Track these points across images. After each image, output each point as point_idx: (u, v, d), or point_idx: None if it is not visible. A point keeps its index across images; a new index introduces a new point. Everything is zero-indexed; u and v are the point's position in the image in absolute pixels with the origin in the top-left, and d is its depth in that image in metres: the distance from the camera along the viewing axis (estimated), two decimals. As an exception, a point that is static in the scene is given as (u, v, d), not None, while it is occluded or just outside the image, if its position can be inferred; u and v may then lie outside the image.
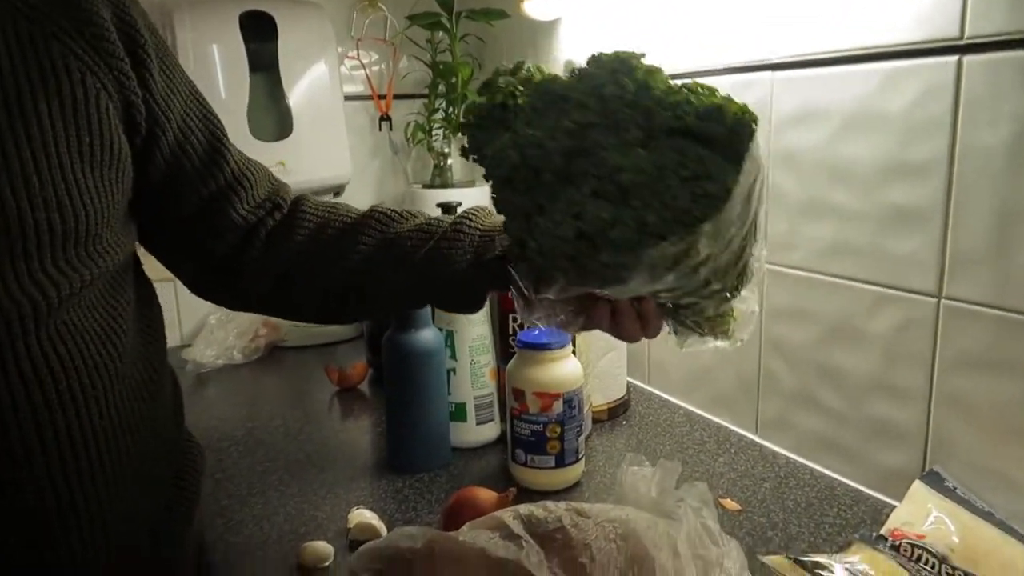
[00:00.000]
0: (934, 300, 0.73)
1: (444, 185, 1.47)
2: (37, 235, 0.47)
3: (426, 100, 1.49)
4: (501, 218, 0.67)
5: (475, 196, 1.45)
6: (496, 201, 0.54)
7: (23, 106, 0.48)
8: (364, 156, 1.52)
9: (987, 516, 0.67)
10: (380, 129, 1.52)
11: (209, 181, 0.63)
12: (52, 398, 0.49)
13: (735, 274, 0.52)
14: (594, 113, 0.49)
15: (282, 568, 0.69)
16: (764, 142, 0.88)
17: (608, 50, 0.51)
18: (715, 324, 0.57)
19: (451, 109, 1.47)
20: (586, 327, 0.61)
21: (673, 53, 1.00)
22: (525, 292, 0.56)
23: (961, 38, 0.68)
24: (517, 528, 0.59)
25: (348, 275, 0.66)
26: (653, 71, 0.50)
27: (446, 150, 1.47)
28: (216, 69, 1.24)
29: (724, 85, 0.92)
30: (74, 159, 0.50)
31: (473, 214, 0.67)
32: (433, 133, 1.49)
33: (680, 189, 0.46)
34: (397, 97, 1.52)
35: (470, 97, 1.44)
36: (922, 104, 0.71)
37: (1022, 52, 0.63)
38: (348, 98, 1.43)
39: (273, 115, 1.31)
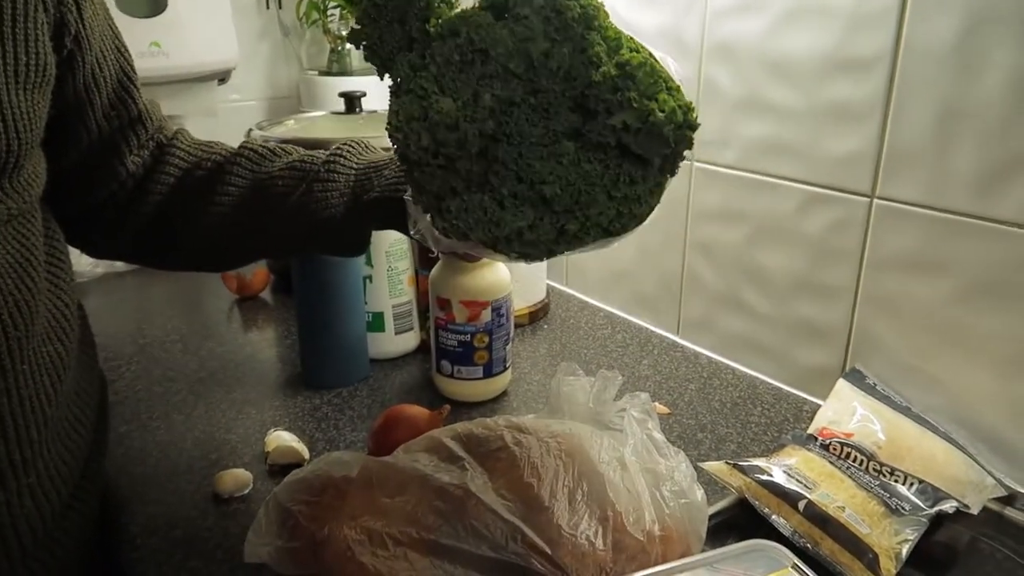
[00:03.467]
0: (867, 200, 0.72)
1: (343, 72, 1.35)
2: None
3: (319, -25, 1.34)
4: (378, 154, 0.61)
5: (377, 84, 1.34)
6: (404, 173, 0.47)
7: None
8: (251, 39, 1.37)
9: (906, 411, 0.69)
10: (268, 7, 1.37)
11: (112, 119, 0.57)
12: None
13: None
14: (520, 84, 0.42)
15: (197, 499, 0.63)
16: (699, 31, 0.83)
17: None
18: None
19: (348, -14, 1.34)
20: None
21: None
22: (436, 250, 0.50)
23: (915, -78, 0.64)
24: (457, 449, 0.55)
25: (218, 220, 0.60)
26: (591, 16, 0.42)
27: (344, 33, 1.34)
28: (69, -72, 1.06)
29: (658, -33, 0.86)
30: (10, 81, 0.44)
31: (348, 150, 0.61)
32: (329, 13, 1.35)
33: (607, 205, 0.43)
34: (286, -30, 1.37)
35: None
36: (869, -6, 0.68)
37: (977, -60, 0.60)
38: (230, -30, 1.27)
39: (143, -14, 1.14)
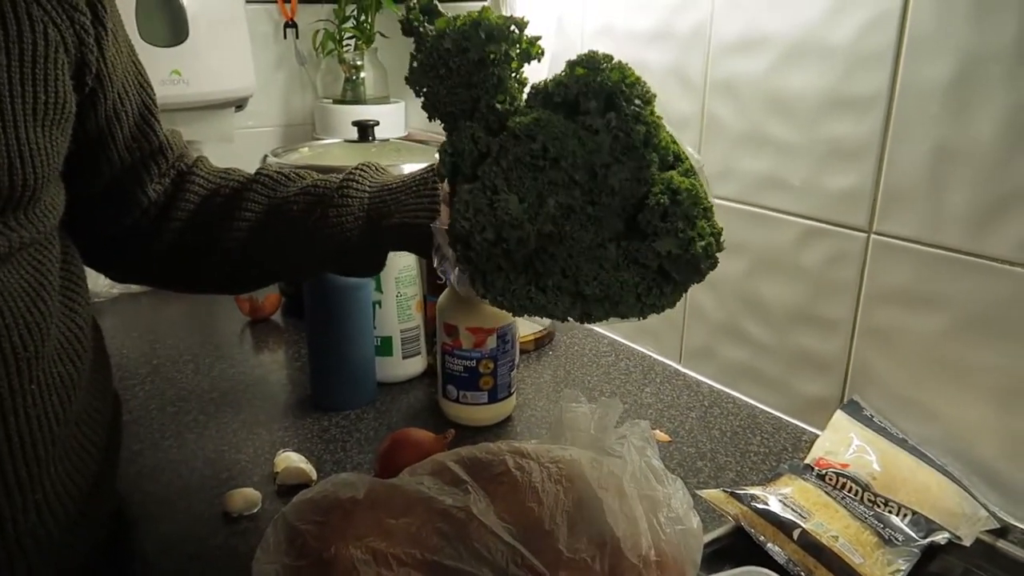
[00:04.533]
0: (864, 235, 0.74)
1: (356, 101, 1.39)
2: None
3: (336, 6, 1.38)
4: (390, 176, 0.64)
5: (390, 113, 1.37)
6: (456, 251, 0.49)
7: None
8: (268, 67, 1.41)
9: (902, 443, 0.71)
10: (285, 37, 1.41)
11: (134, 150, 0.60)
12: None
13: None
14: (581, 194, 0.46)
15: (207, 517, 0.65)
16: (702, 68, 0.86)
17: (615, 64, 0.46)
18: None
19: (363, 17, 1.37)
20: None
21: (608, -31, 0.95)
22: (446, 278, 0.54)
23: (910, -31, 0.66)
24: (460, 473, 0.57)
25: (236, 245, 0.62)
26: (652, 135, 0.46)
27: (358, 62, 1.38)
28: (96, -39, 1.10)
29: (662, 6, 0.89)
30: (28, 118, 0.45)
31: (360, 173, 0.63)
32: (344, 44, 1.39)
33: (634, 305, 0.47)
34: (303, 1, 1.40)
35: (386, 5, 1.34)
36: (866, 35, 0.70)
37: (970, -13, 0.63)
38: (250, 0, 1.30)
39: (165, 16, 1.18)
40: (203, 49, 1.20)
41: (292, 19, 1.39)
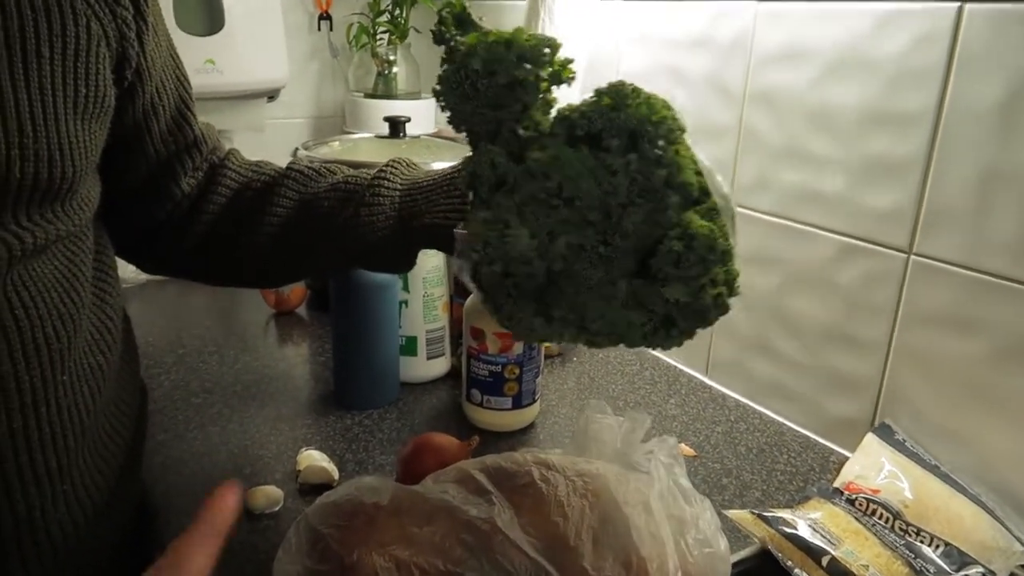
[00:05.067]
0: (904, 256, 0.72)
1: (388, 95, 1.38)
2: (20, 188, 0.43)
3: (371, 0, 1.37)
4: (422, 171, 0.63)
5: (421, 109, 1.37)
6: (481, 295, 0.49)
7: (25, 44, 0.43)
8: (301, 58, 1.40)
9: (934, 469, 0.69)
10: (319, 29, 1.41)
11: (169, 144, 0.60)
12: (16, 348, 0.45)
13: None
14: (594, 233, 0.45)
15: (227, 514, 0.65)
16: (742, 78, 0.84)
17: (631, 82, 0.44)
18: None
19: (398, 12, 1.37)
20: None
21: (650, -27, 0.93)
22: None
23: (965, -15, 0.64)
24: (485, 482, 0.56)
25: (267, 240, 0.62)
26: (673, 175, 0.44)
27: (391, 57, 1.37)
28: (135, -52, 1.10)
29: (702, 14, 0.87)
30: (68, 111, 0.45)
31: (391, 171, 0.62)
32: (378, 37, 1.38)
33: (639, 342, 0.47)
34: (338, -6, 1.40)
35: (421, 0, 1.34)
36: (915, 52, 0.69)
37: (1027, 7, 0.61)
38: (285, -9, 1.30)
39: (202, 5, 1.18)
40: (238, 39, 1.20)
41: (327, 11, 1.39)
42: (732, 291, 0.45)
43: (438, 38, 0.48)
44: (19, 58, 0.42)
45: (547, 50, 0.45)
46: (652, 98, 0.44)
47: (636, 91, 0.44)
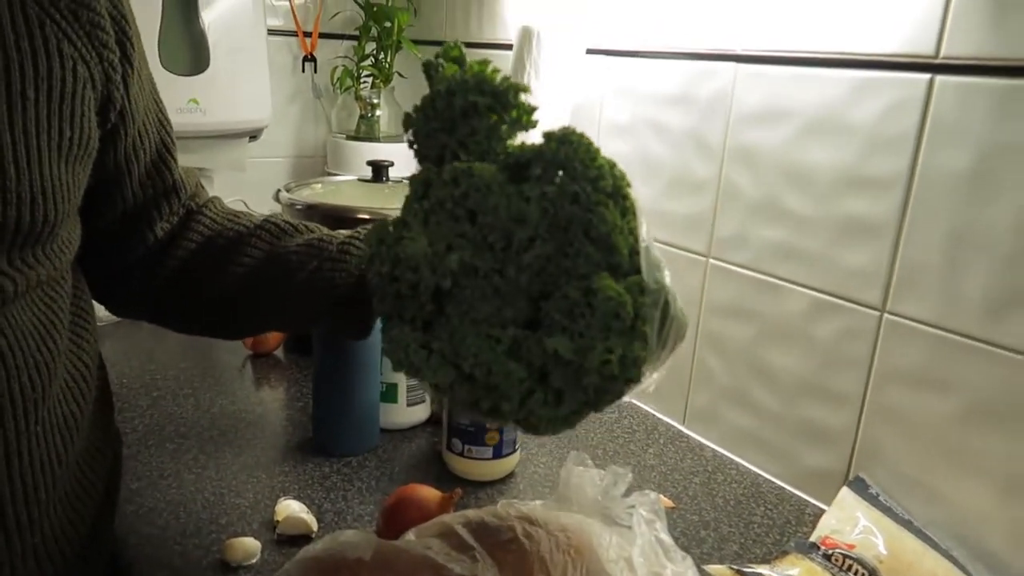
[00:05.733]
0: (877, 313, 0.74)
1: (370, 138, 1.40)
2: (2, 231, 0.42)
3: (356, 43, 1.39)
4: None
5: (403, 153, 1.38)
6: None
7: (11, 85, 0.42)
8: (284, 99, 1.41)
9: (907, 524, 0.70)
10: (303, 70, 1.42)
11: (148, 188, 0.59)
12: None
13: None
14: (492, 259, 0.42)
15: (204, 565, 0.64)
16: (721, 135, 0.87)
17: (578, 128, 0.43)
18: None
19: (383, 56, 1.39)
20: None
21: (632, 29, 0.96)
22: None
23: (936, 57, 0.67)
24: (468, 538, 0.56)
25: (231, 289, 0.62)
26: (595, 225, 0.40)
27: (375, 100, 1.39)
28: (123, -13, 1.11)
29: (685, 72, 0.90)
30: (52, 153, 0.45)
31: (363, 236, 0.62)
32: (362, 80, 1.40)
33: (515, 410, 0.42)
34: (323, 36, 1.42)
35: (405, 46, 1.36)
36: (889, 118, 0.71)
37: (994, 80, 0.64)
38: (270, 32, 1.32)
39: (187, 45, 1.19)
40: (222, 79, 1.20)
41: (311, 53, 1.41)
42: (629, 374, 0.40)
43: (426, 69, 0.47)
44: (3, 100, 0.42)
45: (512, 93, 0.44)
46: (596, 149, 0.43)
47: (582, 136, 0.43)
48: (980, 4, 0.64)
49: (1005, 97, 0.63)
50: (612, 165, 0.44)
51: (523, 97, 0.45)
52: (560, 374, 0.41)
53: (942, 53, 0.67)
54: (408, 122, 0.47)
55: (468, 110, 0.44)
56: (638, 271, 0.42)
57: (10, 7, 0.43)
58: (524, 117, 0.45)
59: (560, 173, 0.42)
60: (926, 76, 0.68)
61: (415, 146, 0.47)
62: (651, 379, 0.44)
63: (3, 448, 0.45)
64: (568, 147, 0.42)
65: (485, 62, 0.46)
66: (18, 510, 0.47)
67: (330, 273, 0.59)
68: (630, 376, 0.41)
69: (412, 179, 0.46)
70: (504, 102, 0.44)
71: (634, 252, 0.42)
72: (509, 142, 0.45)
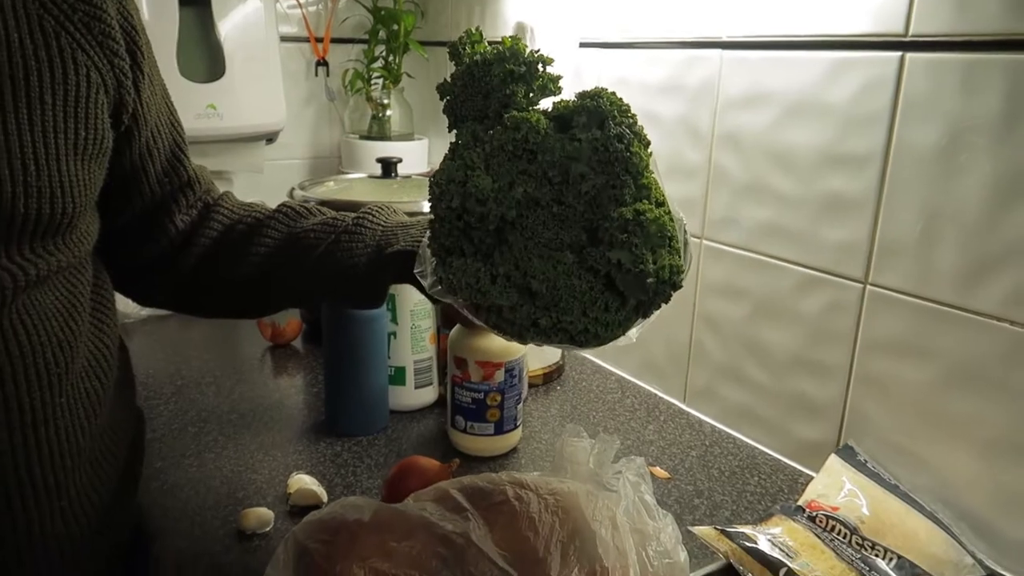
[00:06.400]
0: (860, 286, 0.77)
1: (382, 137, 1.44)
2: (24, 222, 0.47)
3: (365, 47, 1.44)
4: (404, 217, 0.68)
5: (414, 150, 1.43)
6: (431, 223, 0.53)
7: (30, 91, 0.48)
8: (298, 102, 1.47)
9: (893, 489, 0.73)
10: (316, 74, 1.47)
11: (165, 184, 0.65)
12: (19, 371, 0.49)
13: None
14: (551, 191, 0.49)
15: (222, 534, 0.69)
16: (710, 120, 0.90)
17: (618, 92, 0.50)
18: None
19: (391, 58, 1.43)
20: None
21: (623, 21, 0.99)
22: (427, 292, 0.56)
23: (905, 35, 0.70)
24: (462, 500, 0.60)
25: (252, 270, 0.67)
26: (632, 163, 0.48)
27: (385, 100, 1.44)
28: (142, 0, 1.17)
29: (674, 60, 0.93)
30: (69, 152, 0.50)
31: (377, 211, 0.67)
32: (372, 82, 1.45)
33: (578, 318, 0.48)
34: (335, 41, 1.47)
35: (413, 47, 1.41)
36: (863, 97, 0.74)
37: (962, 55, 0.66)
38: (283, 39, 1.37)
39: (204, 54, 1.24)
40: (238, 85, 1.26)
41: (324, 58, 1.46)
42: (674, 276, 0.47)
43: (452, 52, 0.54)
44: (24, 104, 0.48)
45: (539, 63, 0.52)
46: (624, 101, 0.49)
47: (612, 93, 0.49)
48: (944, -17, 0.67)
49: (972, 72, 0.66)
50: (637, 118, 0.50)
51: (547, 68, 0.53)
52: (623, 279, 0.47)
53: (911, 31, 0.69)
54: (444, 89, 0.54)
55: (506, 77, 0.51)
56: (662, 203, 0.49)
57: (28, 20, 0.49)
58: (550, 84, 0.53)
59: (602, 121, 0.49)
60: (897, 54, 0.71)
61: (454, 109, 0.53)
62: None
63: (31, 416, 0.50)
64: (604, 100, 0.49)
65: (516, 38, 0.52)
66: (45, 473, 0.52)
67: (348, 245, 0.64)
68: (676, 281, 0.47)
69: (460, 132, 0.53)
70: (534, 71, 0.51)
71: (658, 186, 0.50)
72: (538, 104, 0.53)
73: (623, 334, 0.49)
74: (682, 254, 0.49)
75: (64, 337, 0.53)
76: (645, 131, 0.50)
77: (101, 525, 0.58)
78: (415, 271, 0.54)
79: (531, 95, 0.52)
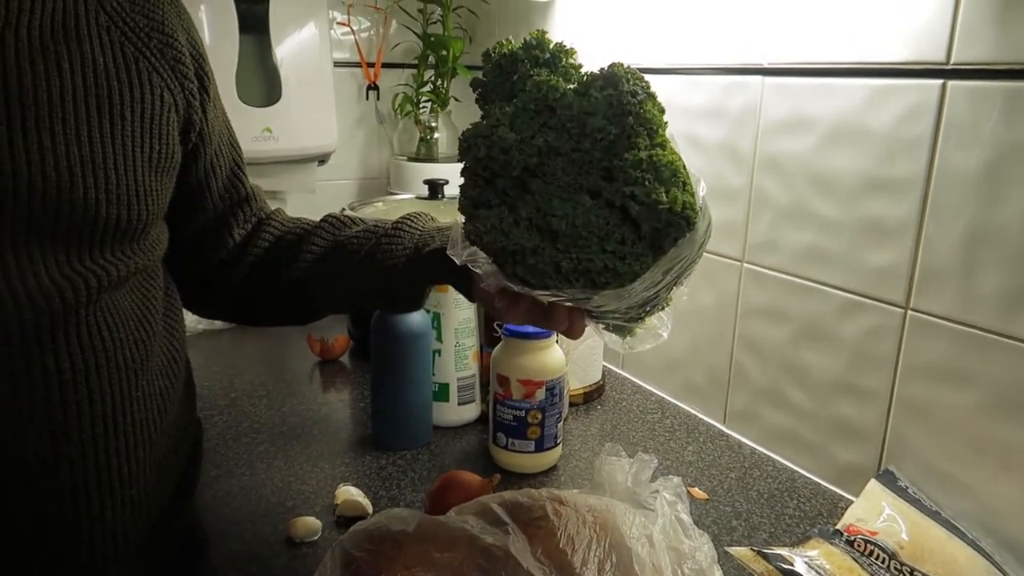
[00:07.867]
0: (901, 311, 0.77)
1: (429, 159, 1.48)
2: (106, 226, 0.52)
3: (415, 72, 1.49)
4: (442, 222, 0.72)
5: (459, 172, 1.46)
6: (462, 179, 0.57)
7: (112, 108, 0.53)
8: (350, 125, 1.52)
9: (934, 515, 0.72)
10: (367, 98, 1.52)
11: (226, 199, 0.71)
12: (102, 366, 0.53)
13: (638, 312, 0.57)
14: (570, 141, 0.52)
15: (271, 541, 0.72)
16: (751, 144, 0.91)
17: (627, 63, 0.53)
18: (623, 331, 0.61)
19: (440, 82, 1.48)
20: (522, 320, 0.62)
21: (666, 47, 1.01)
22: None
23: (947, 63, 0.71)
24: (502, 514, 0.62)
25: (299, 275, 0.72)
26: (646, 119, 0.51)
27: (433, 124, 1.48)
28: (204, 29, 1.23)
29: (716, 85, 0.95)
30: (144, 164, 0.55)
31: (416, 217, 0.72)
32: (421, 106, 1.49)
33: (596, 255, 0.51)
34: (385, 66, 1.52)
35: (460, 72, 1.44)
36: (904, 123, 0.74)
37: (1003, 83, 0.67)
38: (336, 64, 1.42)
39: (262, 79, 1.30)
40: (293, 108, 1.31)
41: (375, 82, 1.51)
42: (687, 211, 0.50)
43: (486, 56, 0.58)
44: (107, 119, 0.53)
45: (562, 53, 0.55)
46: (640, 75, 0.52)
47: (628, 67, 0.53)
48: (986, 12, 0.67)
49: (1014, 99, 0.66)
50: (650, 87, 0.54)
51: (571, 59, 0.56)
52: (638, 210, 0.50)
53: (952, 59, 0.70)
54: (476, 83, 0.58)
55: (532, 63, 0.55)
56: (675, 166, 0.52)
57: (112, 46, 0.54)
58: (573, 72, 0.56)
59: (617, 83, 0.52)
60: (938, 82, 0.71)
61: (485, 97, 0.57)
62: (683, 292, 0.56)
63: (111, 408, 0.54)
64: (618, 67, 0.53)
65: (543, 31, 0.56)
66: (120, 462, 0.56)
67: (388, 247, 0.69)
68: (688, 215, 0.50)
69: (488, 109, 0.56)
70: (558, 59, 0.55)
71: (676, 153, 0.52)
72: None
73: (641, 272, 0.52)
74: (695, 203, 0.51)
75: (140, 336, 0.57)
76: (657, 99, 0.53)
77: (162, 520, 0.62)
78: (448, 251, 0.58)
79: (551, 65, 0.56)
